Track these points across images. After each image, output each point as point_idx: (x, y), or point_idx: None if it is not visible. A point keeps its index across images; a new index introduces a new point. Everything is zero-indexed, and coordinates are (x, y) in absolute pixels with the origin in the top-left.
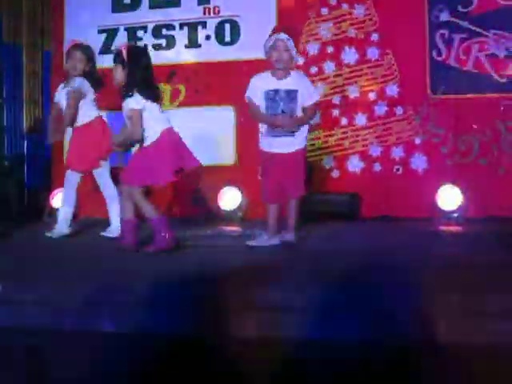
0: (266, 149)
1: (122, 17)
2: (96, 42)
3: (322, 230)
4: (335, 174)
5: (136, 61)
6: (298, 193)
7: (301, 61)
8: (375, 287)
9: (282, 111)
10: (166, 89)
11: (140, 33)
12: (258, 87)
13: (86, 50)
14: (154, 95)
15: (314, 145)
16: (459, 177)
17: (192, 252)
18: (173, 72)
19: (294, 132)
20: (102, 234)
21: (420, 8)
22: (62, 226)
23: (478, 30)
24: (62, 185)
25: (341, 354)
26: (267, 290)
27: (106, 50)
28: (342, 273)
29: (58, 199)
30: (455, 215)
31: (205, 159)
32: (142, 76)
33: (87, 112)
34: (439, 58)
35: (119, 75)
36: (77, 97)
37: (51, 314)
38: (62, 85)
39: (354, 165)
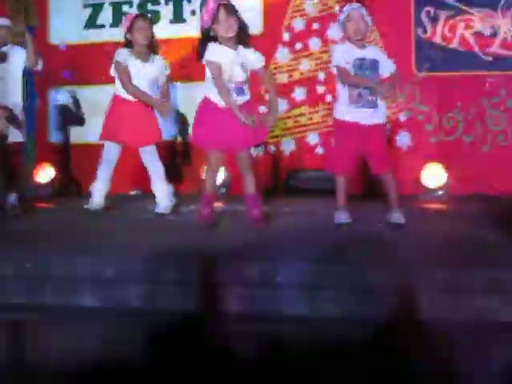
0: (344, 118)
1: None
2: (81, 16)
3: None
4: (319, 150)
5: None
6: (387, 167)
7: (286, 37)
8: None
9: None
10: None
11: (125, 7)
12: (345, 55)
13: (150, 19)
14: None
15: (298, 121)
16: (444, 154)
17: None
18: None
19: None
20: (156, 210)
21: None
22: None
23: (463, 7)
24: (44, 160)
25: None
26: None
27: (90, 24)
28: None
29: (41, 174)
30: (440, 193)
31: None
32: None
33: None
34: (424, 36)
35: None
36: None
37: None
38: (125, 50)
39: None
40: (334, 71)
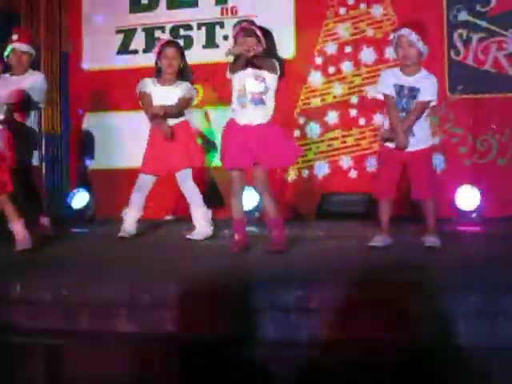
0: (384, 143)
1: (140, 17)
2: (113, 42)
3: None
4: (353, 174)
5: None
6: (426, 193)
7: (319, 61)
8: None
9: (403, 107)
10: None
11: (158, 33)
12: (389, 80)
13: (179, 46)
14: None
15: (331, 145)
16: (478, 177)
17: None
18: None
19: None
20: (188, 236)
21: (438, 7)
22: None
23: (496, 29)
24: (80, 185)
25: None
26: None
27: (123, 50)
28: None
29: (77, 199)
30: (474, 215)
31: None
32: None
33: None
34: (457, 58)
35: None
36: (188, 102)
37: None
38: (149, 80)
39: (372, 165)
40: (379, 96)
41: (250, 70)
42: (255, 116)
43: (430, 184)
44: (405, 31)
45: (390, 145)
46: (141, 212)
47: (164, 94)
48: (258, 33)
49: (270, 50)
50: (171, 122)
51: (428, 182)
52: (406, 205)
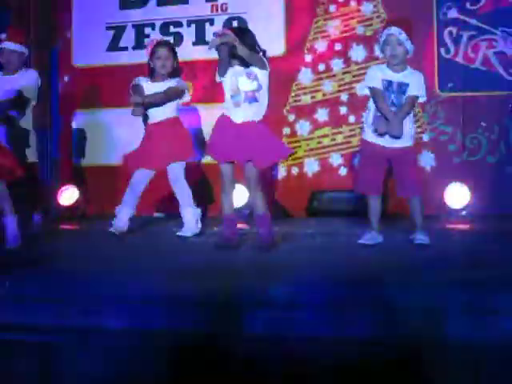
0: (370, 139)
1: (130, 14)
2: (104, 38)
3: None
4: (343, 171)
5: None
6: (416, 192)
7: (309, 58)
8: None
9: (393, 102)
10: None
11: (148, 30)
12: (377, 75)
13: (171, 45)
14: None
15: (321, 142)
16: (467, 175)
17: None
18: None
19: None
20: (178, 233)
21: (428, 5)
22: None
23: (486, 27)
24: (69, 181)
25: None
26: None
27: (113, 47)
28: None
29: (65, 196)
30: (463, 213)
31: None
32: None
33: (171, 110)
34: (447, 56)
35: None
36: (178, 93)
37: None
38: (144, 78)
39: None
40: (366, 92)
41: (241, 69)
42: (249, 114)
43: (416, 181)
44: (394, 30)
45: (376, 141)
46: (133, 210)
47: (156, 89)
48: (230, 32)
49: (252, 43)
50: (161, 116)
51: (414, 180)
52: (393, 202)
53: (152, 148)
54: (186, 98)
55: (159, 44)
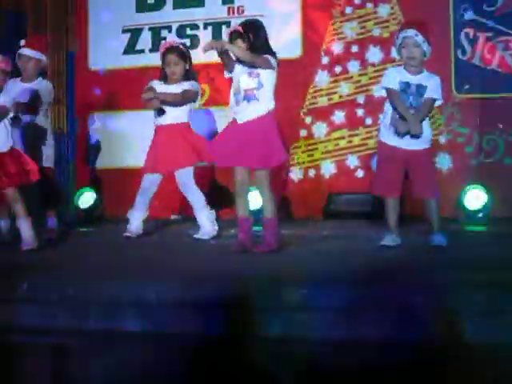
0: (387, 142)
1: (147, 16)
2: (120, 41)
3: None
4: (359, 173)
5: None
6: (433, 193)
7: (325, 60)
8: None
9: (411, 104)
10: None
11: (164, 32)
12: (395, 77)
13: (181, 50)
14: None
15: (338, 144)
16: (484, 176)
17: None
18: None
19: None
20: (195, 236)
21: (445, 7)
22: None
23: (503, 28)
24: (85, 184)
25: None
26: None
27: (130, 49)
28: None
29: (84, 199)
30: (480, 215)
31: None
32: None
33: (182, 114)
34: (464, 57)
35: None
36: (192, 97)
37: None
38: (159, 81)
39: None
40: (383, 93)
41: (243, 68)
42: (248, 113)
43: (433, 183)
44: (411, 32)
45: (393, 142)
46: (146, 212)
47: (169, 91)
48: (240, 29)
49: (260, 43)
50: (172, 120)
51: (430, 181)
52: (410, 203)
53: (157, 152)
54: (198, 100)
55: (168, 50)
